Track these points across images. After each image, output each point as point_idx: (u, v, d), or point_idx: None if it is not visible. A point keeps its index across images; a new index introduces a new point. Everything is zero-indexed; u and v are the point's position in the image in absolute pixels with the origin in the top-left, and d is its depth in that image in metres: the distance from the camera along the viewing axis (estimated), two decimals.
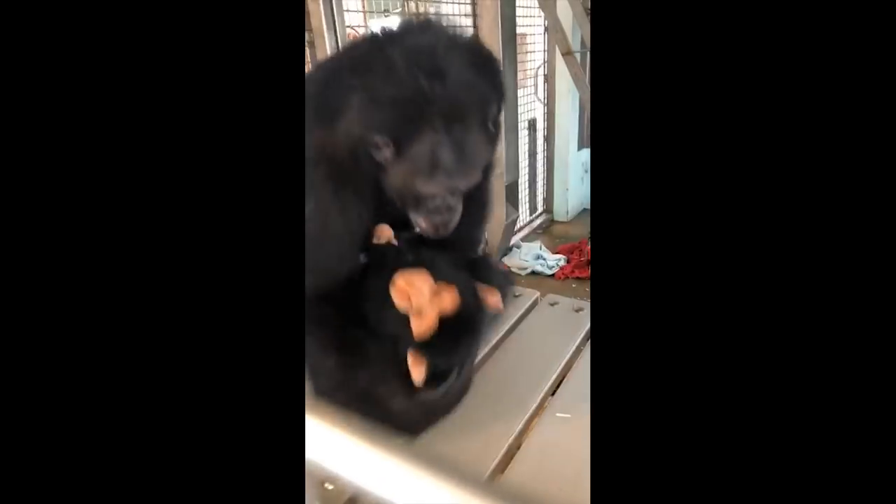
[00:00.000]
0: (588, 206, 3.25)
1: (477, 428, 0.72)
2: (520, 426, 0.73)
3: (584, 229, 3.06)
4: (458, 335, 0.67)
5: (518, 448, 0.69)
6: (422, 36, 0.71)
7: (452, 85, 0.65)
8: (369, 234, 0.75)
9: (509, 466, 0.66)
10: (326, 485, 0.62)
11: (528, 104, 2.78)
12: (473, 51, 0.73)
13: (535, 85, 2.87)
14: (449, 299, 0.65)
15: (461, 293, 0.66)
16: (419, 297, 0.65)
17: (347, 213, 0.71)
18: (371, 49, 0.70)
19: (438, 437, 0.71)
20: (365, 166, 0.68)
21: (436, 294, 0.65)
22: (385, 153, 0.67)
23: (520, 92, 2.49)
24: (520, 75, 2.47)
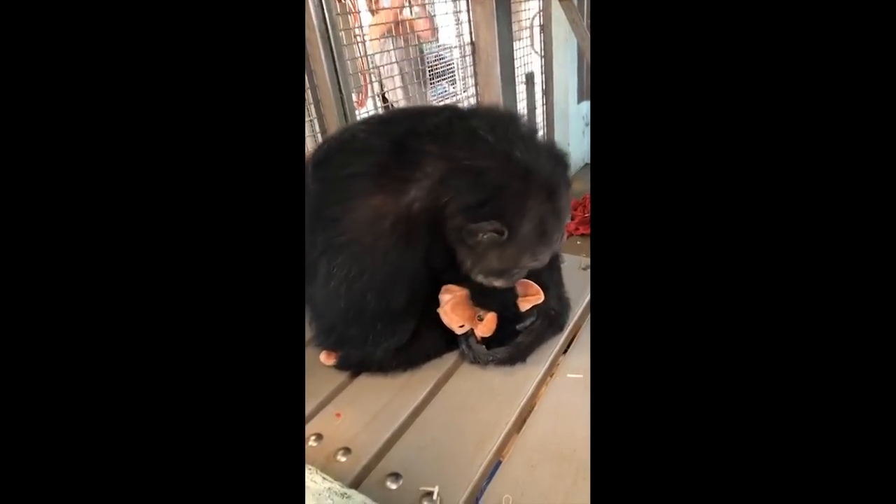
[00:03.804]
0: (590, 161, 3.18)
1: (489, 391, 0.72)
2: (532, 387, 0.73)
3: (587, 185, 2.99)
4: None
5: (531, 410, 0.69)
6: (494, 111, 0.69)
7: (544, 151, 0.63)
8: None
9: (522, 430, 0.66)
10: (340, 457, 0.62)
11: (525, 57, 2.68)
12: (528, 126, 0.71)
13: (532, 37, 2.76)
14: (488, 325, 0.74)
15: (501, 314, 0.75)
16: (457, 323, 0.75)
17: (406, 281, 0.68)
18: (449, 118, 0.65)
19: (450, 400, 0.72)
20: (432, 235, 0.65)
21: (474, 320, 0.75)
22: (491, 237, 0.63)
23: (515, 45, 2.39)
24: (514, 27, 2.37)
